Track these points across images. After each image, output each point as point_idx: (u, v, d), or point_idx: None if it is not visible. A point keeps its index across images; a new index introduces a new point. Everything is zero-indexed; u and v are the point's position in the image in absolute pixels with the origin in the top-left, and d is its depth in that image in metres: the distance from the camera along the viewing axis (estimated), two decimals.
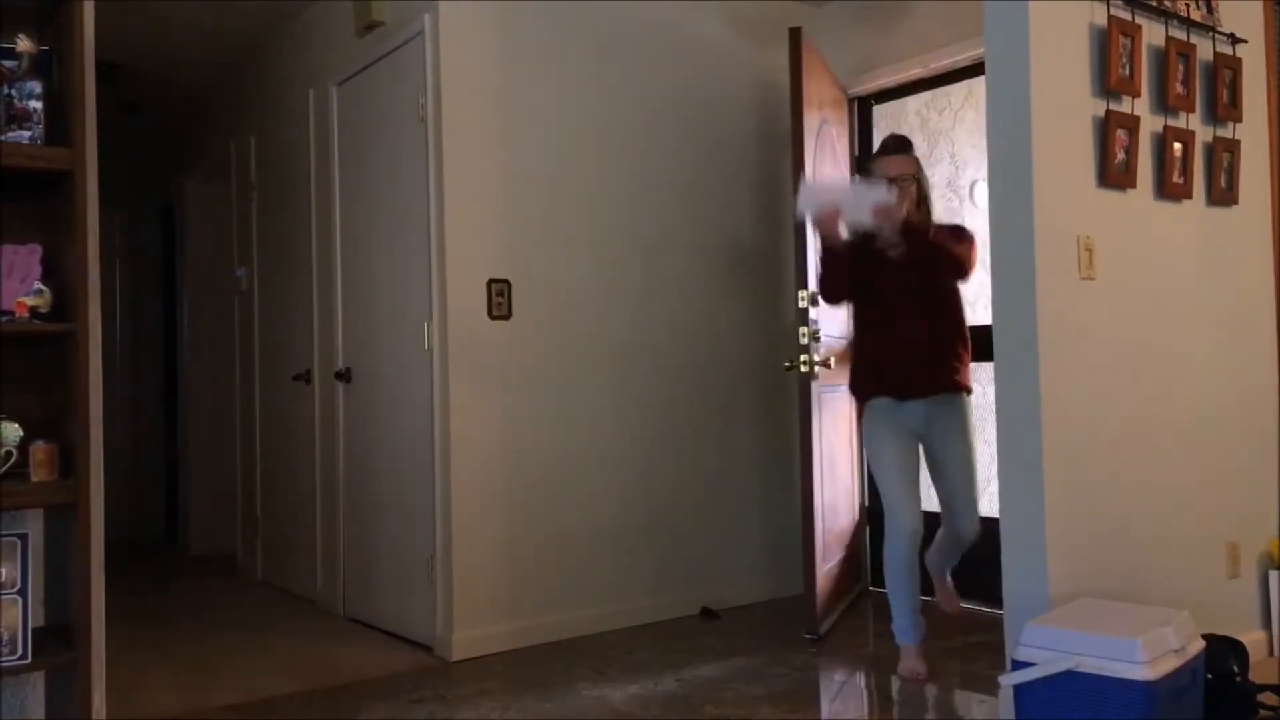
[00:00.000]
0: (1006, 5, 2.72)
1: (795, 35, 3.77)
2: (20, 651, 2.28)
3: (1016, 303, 2.69)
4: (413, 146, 3.78)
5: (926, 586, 3.43)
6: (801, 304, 3.66)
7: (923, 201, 3.29)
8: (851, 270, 3.28)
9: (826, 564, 3.82)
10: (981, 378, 4.32)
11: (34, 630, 2.36)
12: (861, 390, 3.36)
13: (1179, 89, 3.00)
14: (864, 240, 3.25)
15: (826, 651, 3.58)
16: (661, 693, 3.14)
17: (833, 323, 3.93)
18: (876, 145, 3.90)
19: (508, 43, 3.78)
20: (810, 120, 3.79)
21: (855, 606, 4.22)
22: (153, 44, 5.07)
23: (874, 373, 3.31)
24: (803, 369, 3.64)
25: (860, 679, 3.38)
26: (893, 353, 3.25)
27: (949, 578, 3.58)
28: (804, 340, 3.65)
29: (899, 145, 3.32)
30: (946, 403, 3.27)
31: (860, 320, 3.40)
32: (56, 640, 2.39)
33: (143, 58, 5.23)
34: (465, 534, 3.59)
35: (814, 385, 3.68)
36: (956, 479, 3.28)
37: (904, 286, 3.21)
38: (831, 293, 3.39)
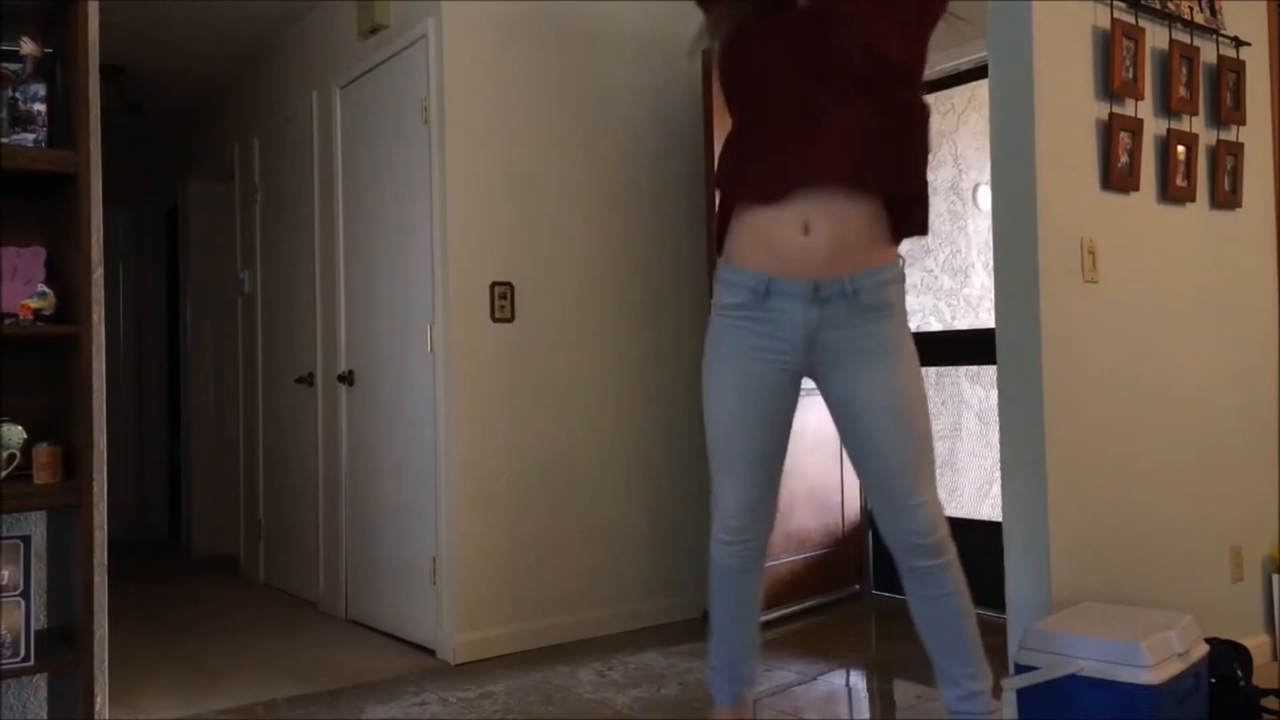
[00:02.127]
0: (1010, 7, 2.72)
1: (706, 59, 3.80)
2: (23, 654, 2.28)
3: (1020, 305, 2.68)
4: (416, 149, 3.79)
5: None
6: None
7: None
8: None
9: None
10: (984, 380, 4.32)
11: (36, 632, 2.36)
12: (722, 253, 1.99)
13: (1182, 92, 3.00)
14: None
15: (828, 654, 3.57)
16: (664, 696, 3.14)
17: None
18: None
19: (511, 46, 3.78)
20: None
21: (847, 607, 4.22)
22: (157, 46, 5.08)
23: (738, 180, 1.92)
24: None
25: (862, 682, 3.38)
26: (777, 176, 1.83)
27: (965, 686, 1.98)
28: None
29: None
30: (860, 290, 1.84)
31: (735, 98, 1.96)
32: (59, 642, 2.39)
33: (147, 60, 5.24)
34: (467, 536, 3.59)
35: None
36: (887, 441, 1.85)
37: (804, 44, 1.83)
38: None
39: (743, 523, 1.99)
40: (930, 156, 2.02)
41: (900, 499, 1.85)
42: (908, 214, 1.92)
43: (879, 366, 1.85)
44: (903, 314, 1.92)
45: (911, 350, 1.91)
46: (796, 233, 1.82)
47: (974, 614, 1.97)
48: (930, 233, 2.04)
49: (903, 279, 1.95)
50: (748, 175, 1.89)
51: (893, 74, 1.84)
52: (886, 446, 1.85)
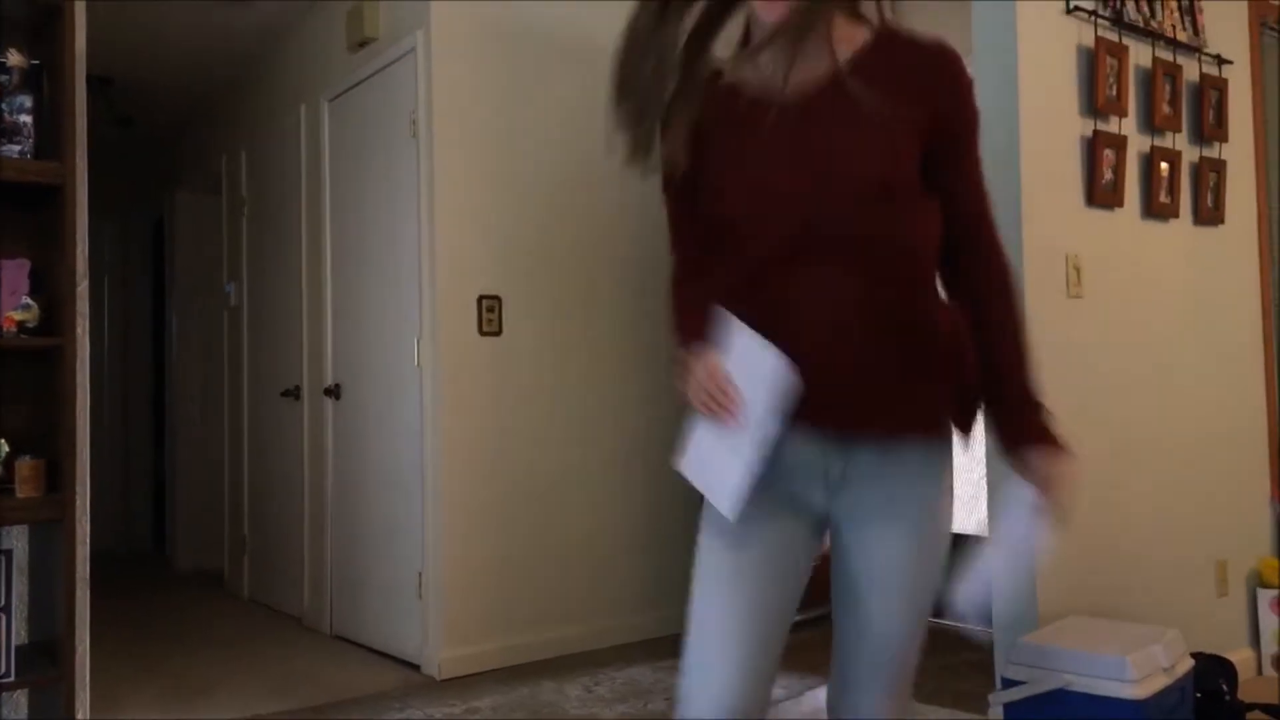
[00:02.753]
0: (994, 24, 2.74)
1: None
2: (4, 669, 2.26)
3: None
4: (404, 162, 3.79)
5: None
6: None
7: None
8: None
9: None
10: None
11: (18, 647, 2.34)
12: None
13: (1166, 109, 3.03)
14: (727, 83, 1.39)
15: (816, 669, 3.57)
16: (651, 711, 3.13)
17: None
18: None
19: (499, 59, 3.79)
20: None
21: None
22: (145, 58, 5.07)
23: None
24: None
25: None
26: (778, 328, 1.29)
27: None
28: None
29: None
30: (896, 456, 1.39)
31: (705, 257, 1.50)
32: (40, 657, 2.37)
33: (135, 72, 5.23)
34: (454, 551, 3.58)
35: None
36: (871, 607, 1.47)
37: (785, 168, 1.31)
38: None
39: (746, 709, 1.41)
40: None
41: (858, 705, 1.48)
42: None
43: (899, 534, 1.46)
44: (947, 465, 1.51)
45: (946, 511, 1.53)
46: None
47: None
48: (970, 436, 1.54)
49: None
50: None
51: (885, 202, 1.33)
52: (865, 650, 1.51)
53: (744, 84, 1.39)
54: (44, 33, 2.46)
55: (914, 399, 1.37)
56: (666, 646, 3.88)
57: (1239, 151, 3.32)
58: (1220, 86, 3.21)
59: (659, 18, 1.37)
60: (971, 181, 1.51)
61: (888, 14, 1.39)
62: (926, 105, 1.36)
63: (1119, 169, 2.89)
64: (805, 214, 1.31)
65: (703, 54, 1.43)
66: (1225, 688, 2.60)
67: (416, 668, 3.63)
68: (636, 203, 4.12)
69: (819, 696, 3.32)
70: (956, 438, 1.46)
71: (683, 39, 1.40)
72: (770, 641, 1.44)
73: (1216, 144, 3.21)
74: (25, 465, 2.29)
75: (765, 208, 1.34)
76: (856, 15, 1.38)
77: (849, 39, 1.37)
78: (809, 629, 4.05)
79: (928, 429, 1.40)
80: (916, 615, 1.50)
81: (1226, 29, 3.29)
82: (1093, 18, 2.83)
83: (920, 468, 1.43)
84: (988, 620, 2.38)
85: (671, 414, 4.16)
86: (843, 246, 1.31)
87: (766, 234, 1.34)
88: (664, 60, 1.38)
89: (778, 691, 3.31)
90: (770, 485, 1.37)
